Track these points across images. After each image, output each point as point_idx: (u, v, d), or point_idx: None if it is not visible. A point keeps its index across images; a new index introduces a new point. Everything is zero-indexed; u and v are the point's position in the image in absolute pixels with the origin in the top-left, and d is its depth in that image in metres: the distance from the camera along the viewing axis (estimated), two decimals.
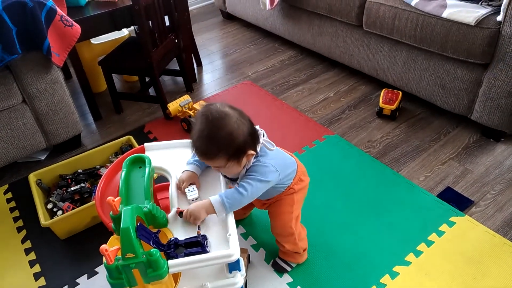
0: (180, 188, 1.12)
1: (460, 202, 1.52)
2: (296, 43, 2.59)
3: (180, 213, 1.04)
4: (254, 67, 2.52)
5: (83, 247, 1.44)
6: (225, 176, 1.16)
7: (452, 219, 1.46)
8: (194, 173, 1.14)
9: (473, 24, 1.57)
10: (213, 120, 0.99)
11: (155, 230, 0.96)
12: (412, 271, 1.30)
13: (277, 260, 1.33)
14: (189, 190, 1.11)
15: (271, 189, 1.16)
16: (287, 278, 1.30)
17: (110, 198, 0.90)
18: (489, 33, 1.55)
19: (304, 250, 1.32)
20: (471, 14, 1.59)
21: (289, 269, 1.32)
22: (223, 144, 0.99)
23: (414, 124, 1.94)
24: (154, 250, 0.84)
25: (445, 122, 1.93)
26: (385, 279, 1.28)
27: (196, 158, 1.15)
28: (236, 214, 1.11)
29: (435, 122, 1.94)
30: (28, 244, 1.48)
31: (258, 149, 1.08)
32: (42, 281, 1.35)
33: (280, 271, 1.32)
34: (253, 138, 1.05)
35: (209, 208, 1.03)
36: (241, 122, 1.02)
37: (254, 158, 1.08)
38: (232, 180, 1.14)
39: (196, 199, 1.10)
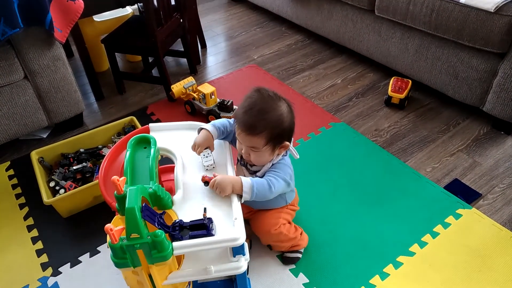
0: (195, 151, 1.10)
1: (467, 195, 1.50)
2: (303, 27, 2.52)
3: (205, 182, 1.02)
4: (260, 51, 2.47)
5: (85, 226, 1.43)
6: (245, 165, 1.15)
7: (459, 211, 1.44)
8: (211, 135, 1.11)
9: (492, 10, 1.51)
10: (268, 98, 1.03)
11: (160, 212, 0.93)
12: (416, 262, 1.29)
13: (286, 254, 1.29)
14: (204, 155, 1.09)
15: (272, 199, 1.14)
16: (289, 265, 1.28)
17: (115, 177, 0.88)
18: (508, 21, 1.50)
19: (301, 234, 1.29)
20: (491, 0, 1.53)
21: (300, 255, 1.29)
22: (271, 123, 1.01)
23: (423, 114, 1.90)
24: (159, 231, 0.82)
25: (455, 113, 1.89)
26: (388, 268, 1.27)
27: (217, 123, 1.15)
28: None
29: (444, 112, 1.90)
30: (30, 221, 1.46)
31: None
32: (44, 257, 1.34)
33: (293, 262, 1.28)
34: (292, 131, 1.08)
35: (237, 186, 1.01)
36: (290, 111, 1.06)
37: (282, 156, 1.12)
38: (251, 173, 1.14)
39: (211, 165, 1.08)
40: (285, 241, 1.24)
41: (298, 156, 1.14)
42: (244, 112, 1.02)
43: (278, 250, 1.30)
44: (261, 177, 1.10)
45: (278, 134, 1.03)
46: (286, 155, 1.13)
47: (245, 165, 1.15)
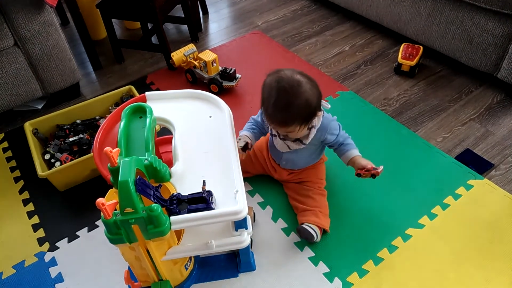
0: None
1: (479, 165, 1.44)
2: None
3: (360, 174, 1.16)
4: (264, 17, 2.34)
5: (83, 199, 1.39)
6: (283, 139, 1.21)
7: (470, 182, 1.38)
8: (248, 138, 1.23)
9: None
10: (288, 90, 1.03)
11: (156, 185, 0.88)
12: (425, 234, 1.25)
13: (304, 225, 1.19)
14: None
15: (316, 154, 1.30)
16: (294, 238, 1.25)
17: (107, 148, 0.82)
18: None
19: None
20: None
21: (315, 236, 1.18)
22: (300, 111, 1.04)
23: (434, 82, 1.81)
24: (155, 205, 0.77)
25: (468, 81, 1.80)
26: (397, 241, 1.23)
27: (249, 127, 1.27)
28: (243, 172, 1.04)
29: (456, 80, 1.81)
30: (26, 195, 1.43)
31: None
32: (41, 232, 1.31)
33: (308, 237, 1.18)
34: (320, 100, 1.10)
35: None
36: (312, 86, 1.06)
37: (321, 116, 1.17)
38: (294, 141, 1.20)
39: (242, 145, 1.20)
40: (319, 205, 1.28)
41: (329, 106, 1.16)
42: (273, 110, 1.05)
43: (306, 217, 1.23)
44: (309, 141, 1.18)
45: (308, 115, 1.07)
46: (323, 112, 1.17)
47: (284, 139, 1.21)
